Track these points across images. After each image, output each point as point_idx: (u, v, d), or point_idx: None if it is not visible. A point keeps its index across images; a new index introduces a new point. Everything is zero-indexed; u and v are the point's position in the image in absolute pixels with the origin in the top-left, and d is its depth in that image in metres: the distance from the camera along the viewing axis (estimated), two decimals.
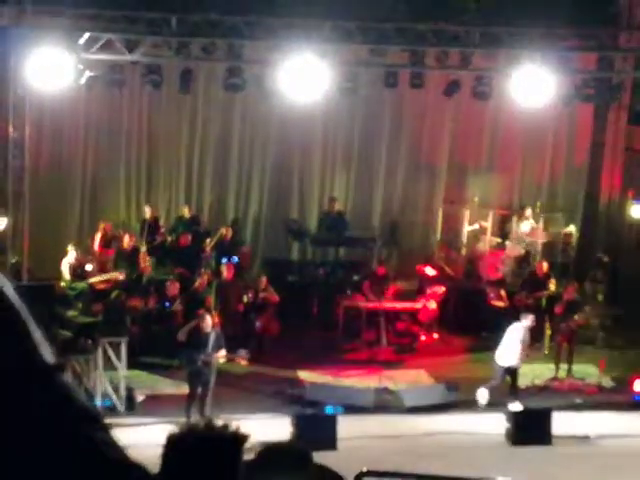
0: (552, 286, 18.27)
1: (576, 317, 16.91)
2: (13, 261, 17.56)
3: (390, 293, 18.29)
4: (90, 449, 1.76)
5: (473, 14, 18.22)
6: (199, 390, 14.11)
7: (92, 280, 17.92)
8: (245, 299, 17.58)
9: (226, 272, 17.59)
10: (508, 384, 15.55)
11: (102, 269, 18.42)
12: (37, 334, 1.80)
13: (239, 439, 2.61)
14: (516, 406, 15.24)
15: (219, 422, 2.62)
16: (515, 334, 15.41)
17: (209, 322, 14.30)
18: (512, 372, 15.47)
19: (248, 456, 3.22)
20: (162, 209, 20.22)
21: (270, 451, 4.41)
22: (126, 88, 18.08)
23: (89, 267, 18.43)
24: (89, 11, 17.31)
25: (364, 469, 6.50)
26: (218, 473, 2.59)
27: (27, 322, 1.79)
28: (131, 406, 14.87)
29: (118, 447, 1.82)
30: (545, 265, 18.67)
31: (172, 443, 2.61)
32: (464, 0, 18.84)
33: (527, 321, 15.50)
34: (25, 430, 1.71)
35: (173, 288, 17.23)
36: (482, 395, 15.44)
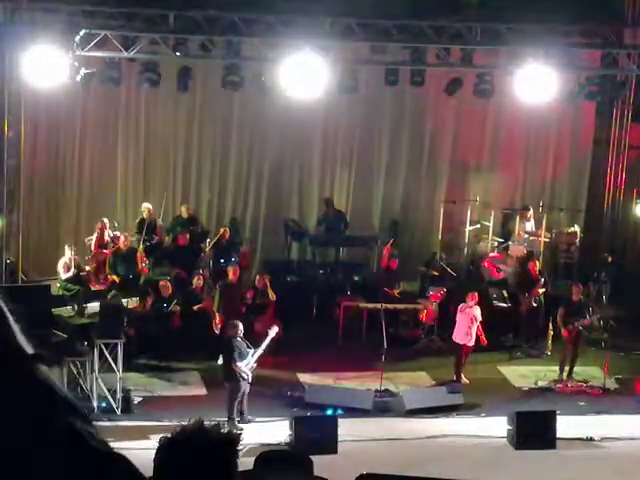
0: (542, 281, 18.32)
1: (581, 319, 16.76)
2: (8, 261, 17.43)
3: (391, 293, 18.23)
4: (72, 438, 1.73)
5: (474, 10, 18.06)
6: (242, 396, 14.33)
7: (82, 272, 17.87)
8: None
9: (232, 274, 17.40)
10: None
11: (99, 270, 18.28)
12: (15, 325, 1.79)
13: (231, 440, 2.55)
14: (463, 379, 16.12)
15: (211, 423, 2.56)
16: (464, 313, 16.19)
17: (241, 328, 14.41)
18: (468, 349, 16.23)
19: (246, 458, 3.09)
20: (159, 209, 20.03)
21: (270, 456, 4.27)
22: (123, 86, 17.93)
23: (87, 267, 18.33)
24: (85, 7, 17.19)
25: (364, 472, 6.30)
26: (211, 474, 2.54)
27: (6, 314, 1.78)
28: (128, 408, 14.75)
29: (100, 437, 1.79)
30: (537, 264, 18.66)
31: (165, 446, 2.57)
32: None
33: (470, 299, 16.26)
34: (4, 417, 1.68)
35: (166, 288, 17.08)
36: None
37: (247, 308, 17.20)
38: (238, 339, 14.33)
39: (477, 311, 16.23)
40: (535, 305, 18.13)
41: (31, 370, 1.74)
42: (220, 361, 15.38)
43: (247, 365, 14.24)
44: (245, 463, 3.15)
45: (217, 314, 16.62)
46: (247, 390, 14.37)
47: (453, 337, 16.32)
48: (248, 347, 14.36)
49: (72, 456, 1.72)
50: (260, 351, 14.45)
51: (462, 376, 16.25)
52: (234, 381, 14.25)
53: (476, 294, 16.42)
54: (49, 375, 1.76)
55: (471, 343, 16.17)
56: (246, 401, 14.40)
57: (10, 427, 1.68)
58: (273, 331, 14.79)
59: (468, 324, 16.09)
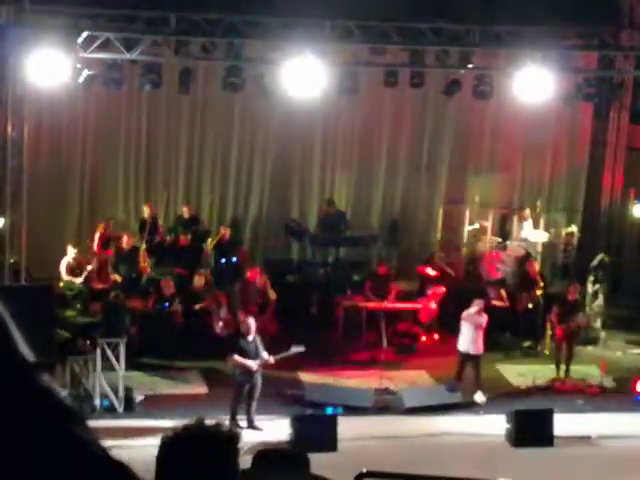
0: (541, 283, 18.41)
1: (577, 318, 16.86)
2: (12, 261, 17.51)
3: (391, 293, 18.25)
4: (72, 446, 1.74)
5: (473, 13, 18.14)
6: (245, 396, 14.21)
7: (85, 273, 17.95)
8: None
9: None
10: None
11: (101, 269, 18.39)
12: (16, 333, 1.78)
13: (232, 438, 2.63)
14: (479, 397, 15.58)
15: (211, 422, 2.61)
16: (468, 320, 15.68)
17: (253, 326, 14.34)
18: (473, 359, 15.71)
19: (245, 457, 3.20)
20: (161, 209, 20.16)
21: (267, 453, 4.38)
22: (125, 87, 18.01)
23: (89, 267, 18.42)
24: (88, 10, 17.28)
25: (364, 470, 6.42)
26: (213, 472, 2.62)
27: (7, 321, 1.78)
28: (130, 407, 14.85)
29: (100, 445, 1.80)
30: (536, 265, 18.72)
31: (167, 444, 2.66)
32: None
33: (476, 306, 15.74)
34: (6, 429, 1.69)
35: (168, 287, 17.21)
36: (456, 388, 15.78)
37: (259, 308, 17.25)
38: (249, 338, 14.28)
39: (482, 319, 15.72)
40: (531, 307, 18.22)
41: (32, 378, 1.74)
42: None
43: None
44: (245, 461, 3.26)
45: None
46: (255, 395, 14.27)
47: (457, 345, 15.83)
48: (257, 349, 14.29)
49: (72, 463, 1.73)
50: (271, 359, 14.34)
51: (480, 393, 15.68)
52: (236, 380, 14.32)
53: (482, 302, 15.95)
54: (50, 382, 1.76)
55: (477, 352, 15.67)
56: (254, 408, 14.28)
57: (10, 434, 1.68)
58: (297, 348, 14.66)
59: (472, 332, 15.61)
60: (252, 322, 14.46)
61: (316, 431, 13.54)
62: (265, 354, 14.33)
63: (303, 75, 16.78)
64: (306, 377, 16.25)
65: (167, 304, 17.15)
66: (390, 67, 18.04)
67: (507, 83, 17.66)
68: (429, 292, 18.40)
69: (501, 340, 17.95)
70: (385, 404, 15.42)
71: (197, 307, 17.35)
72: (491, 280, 19.38)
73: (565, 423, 14.51)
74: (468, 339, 15.65)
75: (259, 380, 14.31)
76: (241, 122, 20.49)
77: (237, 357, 14.19)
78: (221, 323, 17.13)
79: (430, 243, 21.05)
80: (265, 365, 14.37)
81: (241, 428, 13.67)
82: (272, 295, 17.46)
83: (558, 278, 19.96)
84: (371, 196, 21.27)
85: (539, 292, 18.30)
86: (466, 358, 15.73)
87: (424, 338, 18.18)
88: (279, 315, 17.53)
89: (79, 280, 18.04)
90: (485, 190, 20.97)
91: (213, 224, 20.50)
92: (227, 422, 13.18)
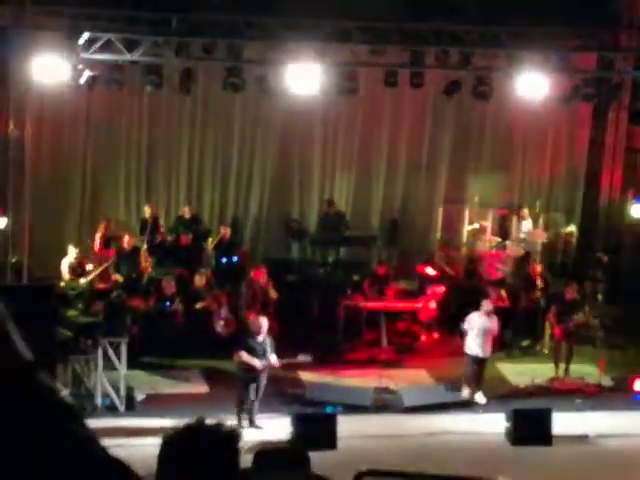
0: (541, 284, 18.45)
1: (576, 317, 16.91)
2: (13, 260, 17.57)
3: (390, 293, 18.32)
4: (72, 445, 1.77)
5: (473, 13, 18.19)
6: (251, 396, 14.20)
7: (89, 277, 17.97)
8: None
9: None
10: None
11: (102, 269, 18.44)
12: (15, 333, 1.81)
13: (232, 437, 2.65)
14: (480, 397, 15.51)
15: (212, 421, 2.66)
16: (475, 322, 15.54)
17: (264, 327, 14.27)
18: (479, 362, 15.61)
19: (246, 456, 3.26)
20: (162, 209, 20.24)
21: (268, 452, 4.44)
22: (126, 88, 18.09)
23: (89, 267, 18.47)
24: (89, 11, 17.32)
25: (363, 468, 6.49)
26: (213, 472, 2.64)
27: (7, 321, 1.81)
28: (131, 406, 14.90)
29: (99, 444, 1.84)
30: (538, 267, 18.80)
31: (168, 443, 2.68)
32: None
33: (484, 308, 15.58)
34: (8, 428, 1.72)
35: (169, 287, 17.28)
36: (465, 391, 15.61)
37: (260, 306, 17.31)
38: (259, 338, 14.21)
39: (492, 323, 15.52)
40: (531, 306, 18.27)
41: (32, 377, 1.76)
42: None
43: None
44: (246, 460, 3.32)
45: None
46: (259, 395, 14.25)
47: (465, 348, 15.68)
48: (265, 350, 14.22)
49: (72, 462, 1.75)
50: (277, 363, 14.28)
51: (480, 394, 15.59)
52: (241, 379, 14.35)
53: (490, 304, 15.75)
54: (49, 382, 1.79)
55: (485, 355, 15.55)
56: (256, 407, 14.29)
57: (10, 434, 1.70)
58: (304, 357, 14.69)
59: (481, 335, 15.44)
60: (264, 322, 14.35)
61: (316, 429, 13.59)
62: (273, 357, 14.21)
63: (303, 75, 16.85)
64: (306, 376, 16.29)
65: (168, 304, 17.22)
66: (390, 67, 18.09)
67: (507, 84, 17.71)
68: (429, 291, 18.46)
69: (501, 339, 17.98)
70: (385, 403, 15.46)
71: (198, 306, 17.43)
72: (491, 280, 19.42)
73: (564, 422, 14.56)
74: (476, 342, 15.52)
75: (263, 380, 14.28)
76: (241, 122, 20.57)
77: (244, 354, 14.17)
78: (222, 322, 17.22)
79: (430, 243, 21.11)
80: (270, 367, 14.36)
81: (242, 427, 13.72)
82: (273, 294, 17.52)
83: (557, 277, 20.01)
84: (371, 196, 21.33)
85: (539, 293, 18.36)
86: (474, 361, 15.64)
87: (424, 337, 18.25)
88: (279, 315, 17.58)
89: (84, 280, 18.09)
90: (485, 190, 21.00)
91: (214, 224, 20.56)
92: (230, 421, 13.20)
